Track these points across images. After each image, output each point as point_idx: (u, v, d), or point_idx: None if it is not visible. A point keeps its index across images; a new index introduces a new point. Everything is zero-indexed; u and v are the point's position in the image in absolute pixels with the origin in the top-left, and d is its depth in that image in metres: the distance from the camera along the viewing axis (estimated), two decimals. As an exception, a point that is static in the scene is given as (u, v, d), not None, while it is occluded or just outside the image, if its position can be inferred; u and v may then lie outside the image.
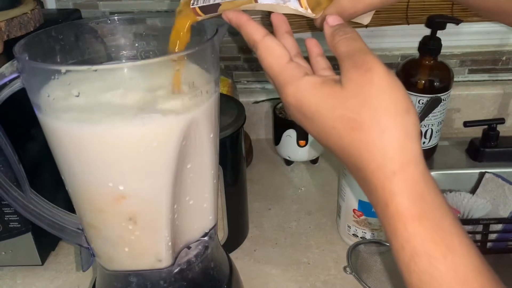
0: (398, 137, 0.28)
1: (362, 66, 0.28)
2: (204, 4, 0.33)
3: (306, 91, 0.30)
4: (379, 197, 0.28)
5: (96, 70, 0.30)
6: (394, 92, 0.28)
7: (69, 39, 0.38)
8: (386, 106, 0.28)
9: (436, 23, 0.68)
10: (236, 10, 0.33)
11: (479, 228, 0.57)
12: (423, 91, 0.70)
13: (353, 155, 0.29)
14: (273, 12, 0.34)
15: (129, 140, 0.31)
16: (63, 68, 0.30)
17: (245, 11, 0.33)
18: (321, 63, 0.34)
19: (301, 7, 0.33)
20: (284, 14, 0.35)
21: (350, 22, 0.33)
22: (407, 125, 0.28)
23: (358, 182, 0.31)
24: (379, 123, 0.28)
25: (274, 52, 0.31)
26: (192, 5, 0.33)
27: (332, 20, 0.33)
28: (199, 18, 0.34)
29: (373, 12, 0.37)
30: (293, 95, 0.31)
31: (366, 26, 0.82)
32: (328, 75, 0.32)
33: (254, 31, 0.32)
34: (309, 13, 0.33)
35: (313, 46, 0.35)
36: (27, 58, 0.33)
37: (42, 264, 0.60)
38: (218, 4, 0.33)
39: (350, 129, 0.28)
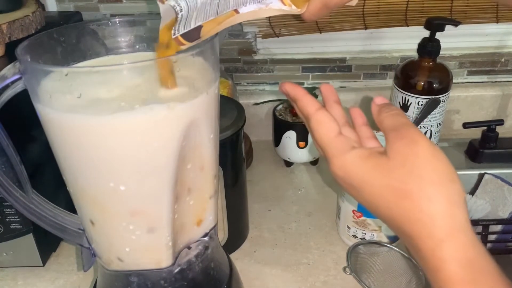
0: (445, 206, 0.29)
1: (406, 138, 0.31)
2: (186, 31, 0.32)
3: (353, 164, 0.32)
4: (430, 263, 0.30)
5: (97, 72, 0.30)
6: (438, 163, 0.30)
7: (71, 41, 0.38)
8: (431, 177, 0.29)
9: (435, 25, 0.68)
10: (293, 84, 0.35)
11: (479, 229, 0.57)
12: (422, 92, 0.70)
13: (403, 223, 0.30)
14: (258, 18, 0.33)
15: (131, 134, 0.32)
16: (64, 70, 0.31)
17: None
18: (366, 132, 0.37)
19: (284, 5, 0.32)
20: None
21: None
22: (451, 194, 0.29)
23: (409, 248, 0.32)
24: (425, 192, 0.29)
25: (325, 125, 0.34)
26: (173, 35, 0.32)
27: (379, 100, 0.35)
28: (184, 47, 0.33)
29: None
30: (341, 167, 0.33)
31: (366, 28, 0.83)
32: (374, 147, 0.35)
33: (308, 104, 0.34)
34: (294, 9, 0.33)
35: (358, 116, 0.38)
36: (29, 59, 0.33)
37: (43, 265, 0.61)
38: (200, 27, 0.32)
39: (398, 198, 0.30)
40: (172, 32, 0.32)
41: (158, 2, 0.33)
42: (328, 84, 0.37)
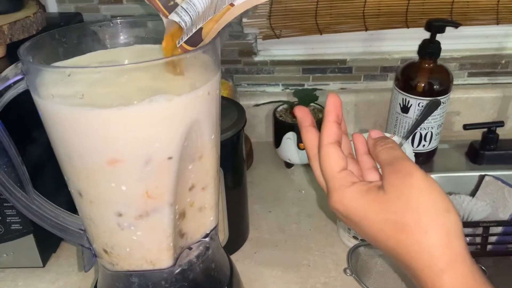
0: (441, 236, 0.30)
1: (401, 172, 0.31)
2: (189, 37, 0.32)
3: (352, 199, 0.33)
4: None
5: (99, 72, 0.30)
6: (433, 194, 0.30)
7: (72, 42, 0.38)
8: (426, 208, 0.30)
9: (435, 26, 0.68)
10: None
11: (479, 230, 0.57)
12: (423, 94, 0.70)
13: (402, 255, 0.31)
14: (251, 7, 0.33)
15: (132, 133, 0.31)
16: (67, 70, 0.31)
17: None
18: (367, 163, 0.37)
19: None
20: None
21: None
22: (448, 224, 0.30)
23: (411, 279, 0.32)
24: (421, 224, 0.30)
25: (331, 160, 0.34)
26: (178, 44, 0.33)
27: (374, 134, 0.37)
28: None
29: None
30: (340, 201, 0.34)
31: (366, 29, 0.83)
32: (373, 180, 0.35)
33: (325, 134, 0.35)
34: None
35: (359, 143, 0.38)
36: (31, 60, 0.34)
37: (44, 266, 0.61)
38: (200, 29, 0.32)
39: (395, 231, 0.31)
40: (177, 42, 0.33)
41: (161, 16, 0.34)
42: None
